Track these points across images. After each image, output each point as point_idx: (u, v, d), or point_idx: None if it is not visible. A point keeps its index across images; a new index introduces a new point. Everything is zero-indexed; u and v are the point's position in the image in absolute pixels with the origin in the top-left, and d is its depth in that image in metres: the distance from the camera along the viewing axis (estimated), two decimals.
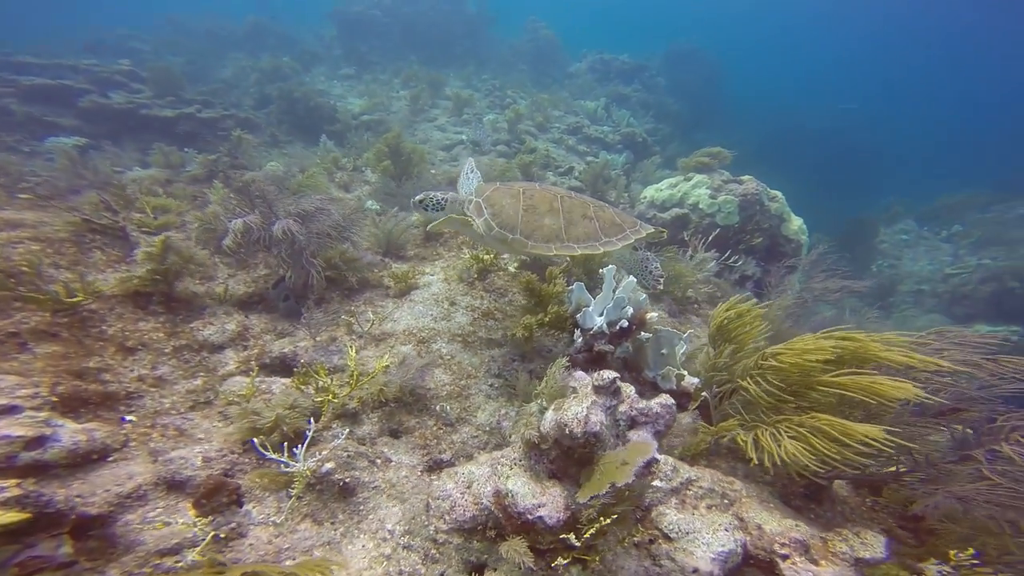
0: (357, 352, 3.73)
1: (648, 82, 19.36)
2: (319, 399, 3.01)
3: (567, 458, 2.38)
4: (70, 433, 2.47)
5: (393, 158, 8.84)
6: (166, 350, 3.74)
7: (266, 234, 4.67)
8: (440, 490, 2.49)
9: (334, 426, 3.14)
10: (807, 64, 44.37)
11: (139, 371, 3.49)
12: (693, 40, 25.69)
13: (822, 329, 2.58)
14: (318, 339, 3.98)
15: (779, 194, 6.89)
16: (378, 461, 2.91)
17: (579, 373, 2.48)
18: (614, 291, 2.79)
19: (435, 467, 2.93)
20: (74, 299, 3.46)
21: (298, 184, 7.63)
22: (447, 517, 2.44)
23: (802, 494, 2.49)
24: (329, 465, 2.64)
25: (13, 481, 2.11)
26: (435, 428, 3.23)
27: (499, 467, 2.44)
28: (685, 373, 2.72)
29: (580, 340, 3.06)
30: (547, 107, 13.82)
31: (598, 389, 2.27)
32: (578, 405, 2.24)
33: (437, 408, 3.32)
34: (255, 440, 2.61)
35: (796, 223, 6.79)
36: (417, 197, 4.07)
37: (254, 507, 2.53)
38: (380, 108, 14.48)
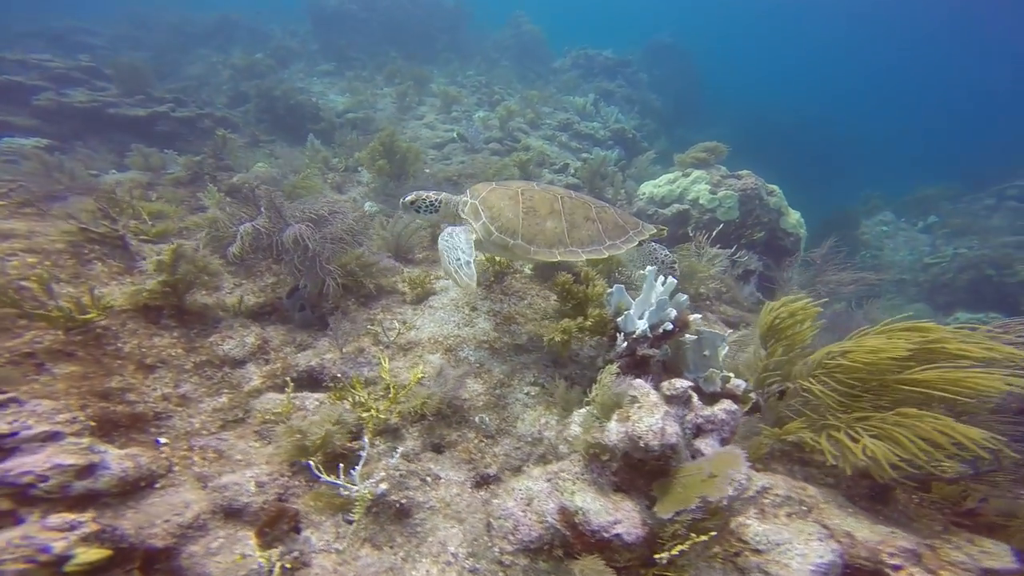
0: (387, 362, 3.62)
1: (631, 78, 19.48)
2: (363, 415, 2.90)
3: (634, 471, 2.34)
4: (116, 459, 2.31)
5: (388, 157, 8.63)
6: (187, 367, 3.57)
7: (276, 240, 4.50)
8: (501, 509, 2.43)
9: (377, 442, 3.04)
10: (783, 57, 45.45)
11: (162, 390, 3.31)
12: (671, 34, 25.97)
13: (836, 321, 2.61)
14: (345, 350, 3.86)
15: (776, 188, 7.02)
16: (428, 479, 2.83)
17: (636, 380, 2.43)
18: (654, 293, 2.77)
19: (483, 482, 2.86)
20: (87, 316, 3.25)
21: (292, 186, 7.39)
22: (511, 537, 2.37)
23: (867, 495, 2.52)
24: (383, 486, 2.55)
25: (89, 515, 1.97)
26: (476, 441, 3.15)
27: (559, 482, 2.38)
28: (731, 375, 2.72)
29: (624, 344, 3.02)
30: (537, 103, 13.75)
31: (671, 399, 2.24)
32: (650, 416, 2.21)
33: (476, 420, 3.25)
34: (311, 462, 2.49)
35: (794, 216, 6.93)
36: (407, 198, 3.87)
37: (312, 533, 2.42)
38: (365, 106, 14.16)
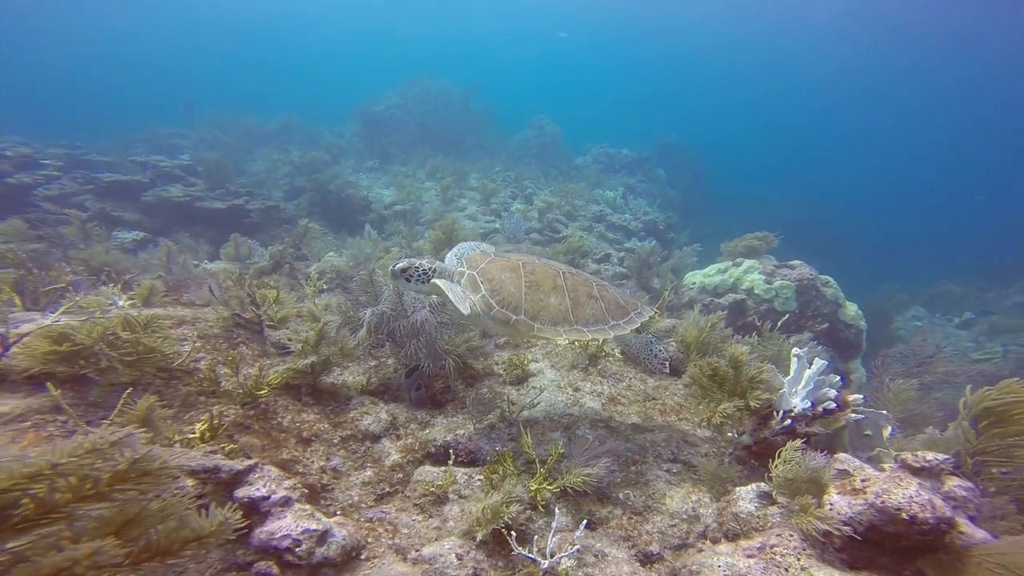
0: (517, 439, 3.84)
1: (649, 173, 21.08)
2: (533, 488, 3.11)
3: (875, 547, 2.35)
4: (337, 527, 2.53)
5: (449, 245, 9.32)
6: (334, 441, 3.82)
7: (398, 324, 4.93)
8: None
9: (535, 517, 3.21)
10: (783, 151, 48.78)
11: (318, 462, 3.55)
12: (677, 135, 28.40)
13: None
14: (478, 426, 4.11)
15: (831, 279, 7.51)
16: (596, 556, 2.97)
17: (841, 455, 2.64)
18: (807, 373, 3.05)
19: (648, 560, 2.98)
20: (261, 392, 3.59)
21: (368, 274, 7.96)
22: None
23: None
24: (567, 562, 2.71)
25: None
26: (625, 518, 3.31)
27: (777, 558, 2.39)
28: (909, 455, 2.82)
29: (785, 422, 3.13)
30: (572, 196, 14.85)
31: (919, 471, 2.36)
32: (900, 487, 2.28)
33: (620, 496, 3.42)
34: (513, 534, 2.69)
35: (852, 308, 7.34)
36: (399, 264, 3.55)
37: None
38: (411, 199, 15.32)
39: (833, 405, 2.98)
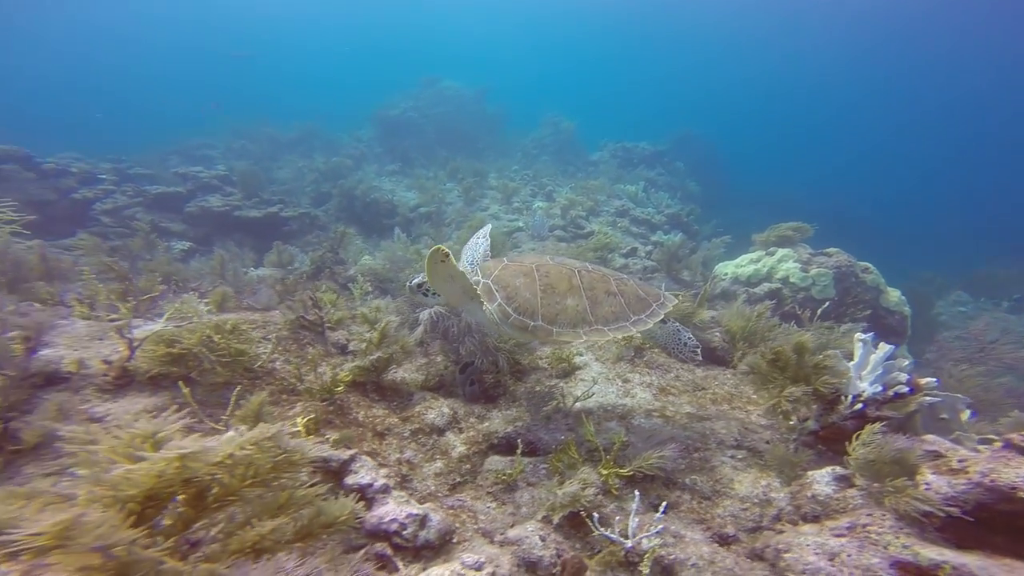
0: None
1: (668, 166, 21.02)
2: (605, 473, 3.26)
3: (983, 527, 2.34)
4: (433, 512, 2.70)
5: None
6: (405, 434, 4.01)
7: (452, 323, 5.12)
8: (802, 564, 2.46)
9: (606, 502, 3.35)
10: (805, 145, 48.19)
11: (394, 455, 3.74)
12: (694, 127, 28.21)
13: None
14: (536, 418, 4.27)
15: (871, 266, 7.48)
16: (672, 537, 3.09)
17: (929, 436, 2.68)
18: (873, 357, 3.12)
19: (725, 542, 3.09)
20: (338, 389, 3.78)
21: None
22: None
23: None
24: (647, 543, 2.84)
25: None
26: (693, 502, 3.43)
27: (872, 536, 2.42)
28: (1016, 435, 2.83)
29: (851, 408, 3.19)
30: (593, 193, 14.93)
31: None
32: (1011, 467, 2.29)
33: (687, 481, 3.54)
34: (596, 515, 2.83)
35: (895, 294, 7.31)
36: (415, 280, 3.62)
37: None
38: (434, 200, 15.54)
39: (906, 389, 3.03)
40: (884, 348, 3.05)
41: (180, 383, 2.64)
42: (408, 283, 3.70)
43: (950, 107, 55.84)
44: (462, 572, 2.24)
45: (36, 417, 2.49)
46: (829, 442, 3.35)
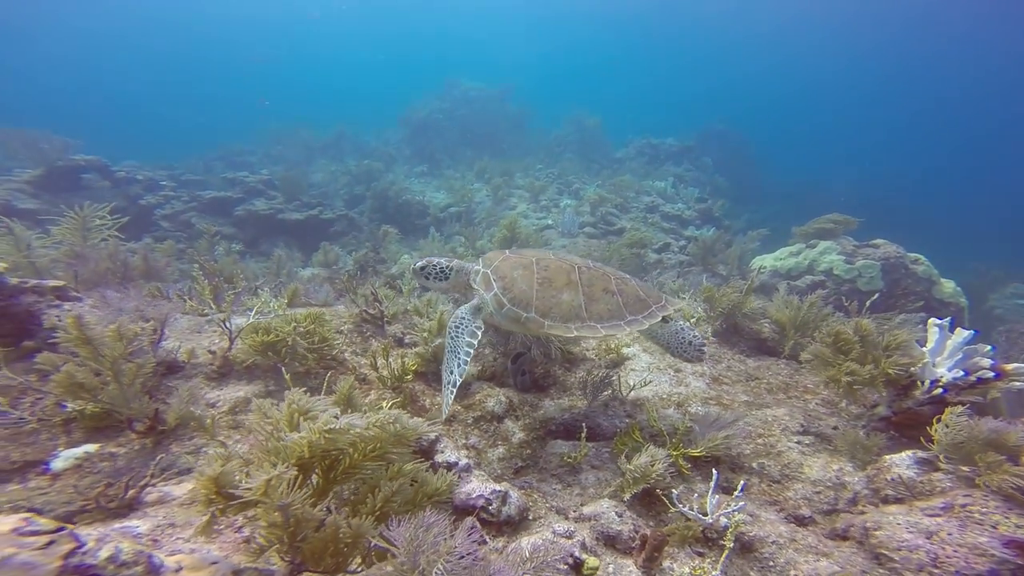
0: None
1: (696, 162, 20.82)
2: (675, 454, 3.33)
3: None
4: (511, 490, 2.82)
5: (514, 242, 9.65)
6: (468, 421, 4.15)
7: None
8: (895, 540, 2.46)
9: (673, 483, 3.41)
10: (835, 137, 47.05)
11: (461, 440, 3.88)
12: (721, 121, 27.81)
13: None
14: (593, 404, 4.35)
15: (921, 256, 7.30)
16: (750, 516, 3.14)
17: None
18: (950, 342, 3.09)
19: (801, 522, 3.10)
20: (407, 377, 3.95)
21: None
22: (934, 570, 2.27)
23: None
24: (725, 520, 2.90)
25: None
26: (763, 485, 3.47)
27: (977, 515, 2.38)
28: None
29: (929, 393, 3.14)
30: (622, 189, 14.91)
31: None
32: None
33: (755, 465, 3.58)
34: (675, 492, 2.91)
35: (949, 285, 7.09)
36: (418, 264, 3.75)
37: (670, 563, 2.77)
38: (464, 200, 15.76)
39: (991, 374, 2.99)
40: (963, 333, 3.02)
41: (282, 369, 2.81)
42: (412, 265, 3.88)
43: (989, 89, 53.56)
44: (554, 540, 2.35)
45: (175, 401, 2.69)
46: (903, 428, 3.34)
